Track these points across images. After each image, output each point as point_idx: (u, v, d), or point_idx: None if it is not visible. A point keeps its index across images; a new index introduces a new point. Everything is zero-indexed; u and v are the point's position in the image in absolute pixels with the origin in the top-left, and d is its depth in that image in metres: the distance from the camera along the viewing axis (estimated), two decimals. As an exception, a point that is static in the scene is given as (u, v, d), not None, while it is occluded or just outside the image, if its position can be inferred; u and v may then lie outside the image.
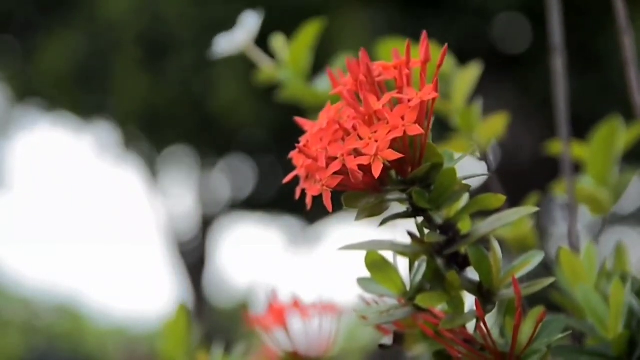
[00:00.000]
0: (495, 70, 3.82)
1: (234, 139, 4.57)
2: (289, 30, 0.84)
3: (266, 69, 0.83)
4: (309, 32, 0.82)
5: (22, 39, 4.56)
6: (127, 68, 4.07)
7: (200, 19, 3.80)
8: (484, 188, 0.75)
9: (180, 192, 5.75)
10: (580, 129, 0.87)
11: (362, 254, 0.57)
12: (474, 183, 0.54)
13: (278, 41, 0.83)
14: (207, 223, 5.74)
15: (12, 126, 5.54)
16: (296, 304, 0.79)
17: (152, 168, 5.39)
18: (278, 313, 0.78)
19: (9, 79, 4.78)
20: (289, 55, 0.83)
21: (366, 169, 0.50)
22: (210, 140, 4.60)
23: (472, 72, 0.79)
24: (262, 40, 0.85)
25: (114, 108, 4.50)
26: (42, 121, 5.44)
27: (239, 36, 0.81)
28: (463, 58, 0.82)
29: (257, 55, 0.83)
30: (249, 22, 0.81)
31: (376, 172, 0.50)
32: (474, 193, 0.55)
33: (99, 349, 6.35)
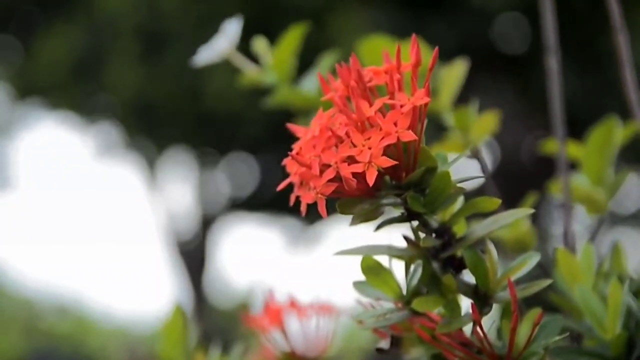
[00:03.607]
0: (495, 70, 3.82)
1: (234, 137, 4.57)
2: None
3: (249, 72, 0.83)
4: (293, 36, 0.82)
5: (22, 37, 4.56)
6: (125, 61, 4.07)
7: (198, 11, 3.80)
8: (480, 189, 0.75)
9: (180, 192, 5.75)
10: (581, 129, 0.87)
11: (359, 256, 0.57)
12: (470, 185, 0.54)
13: (260, 44, 0.83)
14: (207, 223, 5.74)
15: (13, 126, 5.55)
16: (293, 304, 0.79)
17: (152, 168, 5.39)
18: (275, 313, 0.78)
19: (10, 77, 4.78)
20: (274, 60, 0.82)
21: (360, 176, 0.50)
22: (210, 138, 4.60)
23: (458, 69, 0.79)
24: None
25: (113, 103, 4.51)
26: (43, 121, 5.45)
27: (221, 43, 0.81)
28: (463, 58, 0.82)
29: (240, 61, 0.83)
30: (230, 29, 0.81)
31: (370, 179, 0.49)
32: (470, 195, 0.55)
33: (101, 349, 6.36)
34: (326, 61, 0.82)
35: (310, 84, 0.83)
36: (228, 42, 0.80)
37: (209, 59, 0.81)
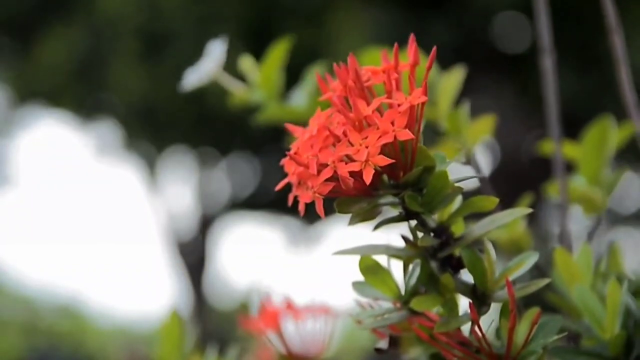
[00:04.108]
0: (495, 70, 3.82)
1: (235, 137, 4.57)
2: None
3: (237, 93, 0.83)
4: (278, 53, 0.82)
5: (23, 38, 4.56)
6: (126, 62, 4.07)
7: (198, 12, 3.80)
8: (478, 191, 0.75)
9: (180, 192, 5.75)
10: (580, 129, 0.87)
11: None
12: (467, 185, 0.54)
13: (246, 62, 0.83)
14: (207, 223, 5.74)
15: (13, 126, 5.55)
16: (290, 306, 0.79)
17: (152, 168, 5.39)
18: (272, 315, 0.78)
19: (10, 79, 4.79)
20: (260, 77, 0.82)
21: (357, 175, 0.50)
22: (210, 138, 4.60)
23: (456, 77, 0.79)
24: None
25: (114, 104, 4.51)
26: (44, 121, 5.45)
27: (207, 65, 0.81)
28: (463, 58, 0.82)
29: (228, 81, 0.83)
30: (216, 50, 0.81)
31: (367, 178, 0.49)
32: (468, 195, 0.55)
33: (100, 349, 6.36)
34: (314, 75, 0.82)
35: (298, 98, 0.83)
36: (215, 64, 0.80)
37: (197, 82, 0.81)
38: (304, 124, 0.53)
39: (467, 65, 0.81)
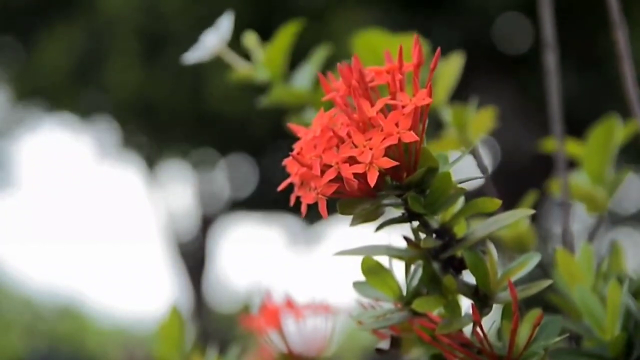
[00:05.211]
0: (496, 70, 3.82)
1: (236, 138, 4.57)
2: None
3: (240, 69, 0.82)
4: (286, 34, 0.81)
5: (23, 38, 4.56)
6: (126, 62, 4.07)
7: (198, 12, 3.80)
8: (480, 188, 0.75)
9: (180, 192, 5.75)
10: (580, 128, 0.87)
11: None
12: (469, 184, 0.54)
13: (250, 40, 0.82)
14: (207, 223, 5.74)
15: (14, 127, 5.55)
16: (290, 304, 0.79)
17: (152, 168, 5.39)
18: (272, 314, 0.78)
19: (11, 79, 4.79)
20: (266, 58, 0.81)
21: (361, 177, 0.50)
22: (210, 139, 4.60)
23: (454, 64, 0.79)
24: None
25: (114, 104, 4.51)
26: (44, 122, 5.45)
27: (212, 40, 0.80)
28: (464, 57, 0.81)
29: (232, 58, 0.82)
30: (222, 26, 0.80)
31: (372, 180, 0.49)
32: (470, 195, 0.55)
33: (101, 349, 6.37)
34: (318, 57, 0.81)
35: (302, 79, 0.82)
36: (219, 40, 0.79)
37: (200, 57, 0.80)
38: (307, 106, 0.52)
39: (468, 65, 0.81)
